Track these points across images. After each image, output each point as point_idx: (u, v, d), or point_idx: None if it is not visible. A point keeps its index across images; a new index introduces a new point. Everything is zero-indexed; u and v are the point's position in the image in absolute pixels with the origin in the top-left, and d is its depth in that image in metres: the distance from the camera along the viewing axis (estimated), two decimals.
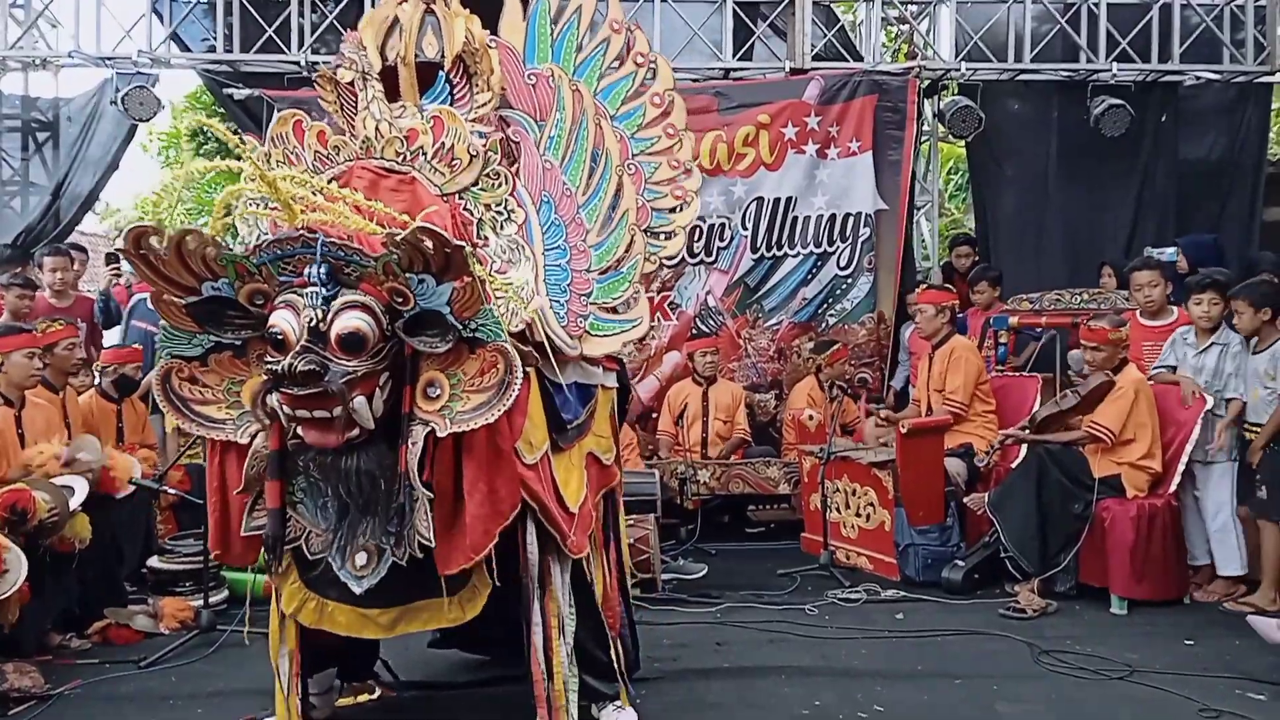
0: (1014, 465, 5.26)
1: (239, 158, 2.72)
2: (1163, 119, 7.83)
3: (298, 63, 7.32)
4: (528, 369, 2.75)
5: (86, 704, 3.70)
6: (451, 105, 3.12)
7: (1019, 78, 7.83)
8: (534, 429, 2.88)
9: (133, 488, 4.69)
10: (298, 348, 2.48)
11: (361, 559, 2.73)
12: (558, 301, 3.09)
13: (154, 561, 4.81)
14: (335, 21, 7.37)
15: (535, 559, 2.95)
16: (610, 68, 3.56)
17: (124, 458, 4.78)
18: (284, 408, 2.55)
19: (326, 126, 3.06)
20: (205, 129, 12.38)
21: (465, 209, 2.95)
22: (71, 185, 7.65)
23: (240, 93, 7.41)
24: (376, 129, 3.01)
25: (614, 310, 3.29)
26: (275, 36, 7.38)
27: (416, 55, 3.14)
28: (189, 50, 7.70)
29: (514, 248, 2.94)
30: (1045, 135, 7.93)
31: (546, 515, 2.91)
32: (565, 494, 3.03)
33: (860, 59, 7.69)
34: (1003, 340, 6.38)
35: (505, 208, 2.98)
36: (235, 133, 2.70)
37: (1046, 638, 4.32)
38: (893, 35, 9.09)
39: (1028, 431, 5.22)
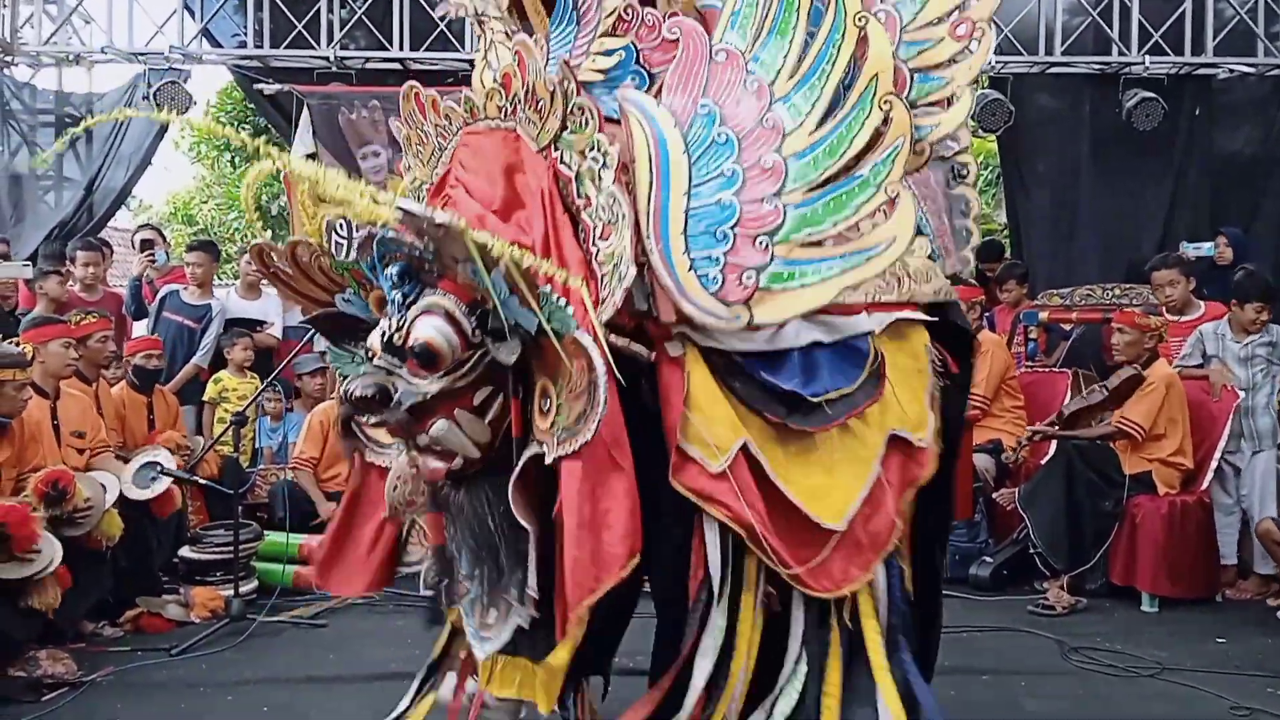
0: (1044, 461, 5.22)
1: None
2: (1196, 113, 7.70)
3: (327, 58, 7.37)
4: (675, 352, 2.24)
5: (118, 691, 3.75)
6: (578, 25, 2.45)
7: (1050, 71, 7.73)
8: (710, 423, 2.19)
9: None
10: (363, 368, 2.12)
11: (492, 615, 2.28)
12: (707, 257, 2.17)
13: (185, 551, 4.86)
14: (364, 17, 7.42)
15: (716, 577, 2.23)
16: None
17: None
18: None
19: (435, 94, 2.56)
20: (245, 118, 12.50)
21: (562, 162, 2.29)
22: (104, 180, 7.70)
23: (270, 88, 7.50)
24: (483, 83, 2.47)
25: (838, 241, 2.17)
26: (305, 32, 7.42)
27: None
28: (220, 46, 7.75)
29: (611, 203, 2.21)
30: (1077, 129, 7.81)
31: (753, 537, 2.17)
32: (811, 502, 2.24)
33: None
34: (1033, 336, 6.32)
35: (599, 150, 2.23)
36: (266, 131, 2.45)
37: (1076, 635, 4.29)
38: None
39: (1056, 427, 5.18)
